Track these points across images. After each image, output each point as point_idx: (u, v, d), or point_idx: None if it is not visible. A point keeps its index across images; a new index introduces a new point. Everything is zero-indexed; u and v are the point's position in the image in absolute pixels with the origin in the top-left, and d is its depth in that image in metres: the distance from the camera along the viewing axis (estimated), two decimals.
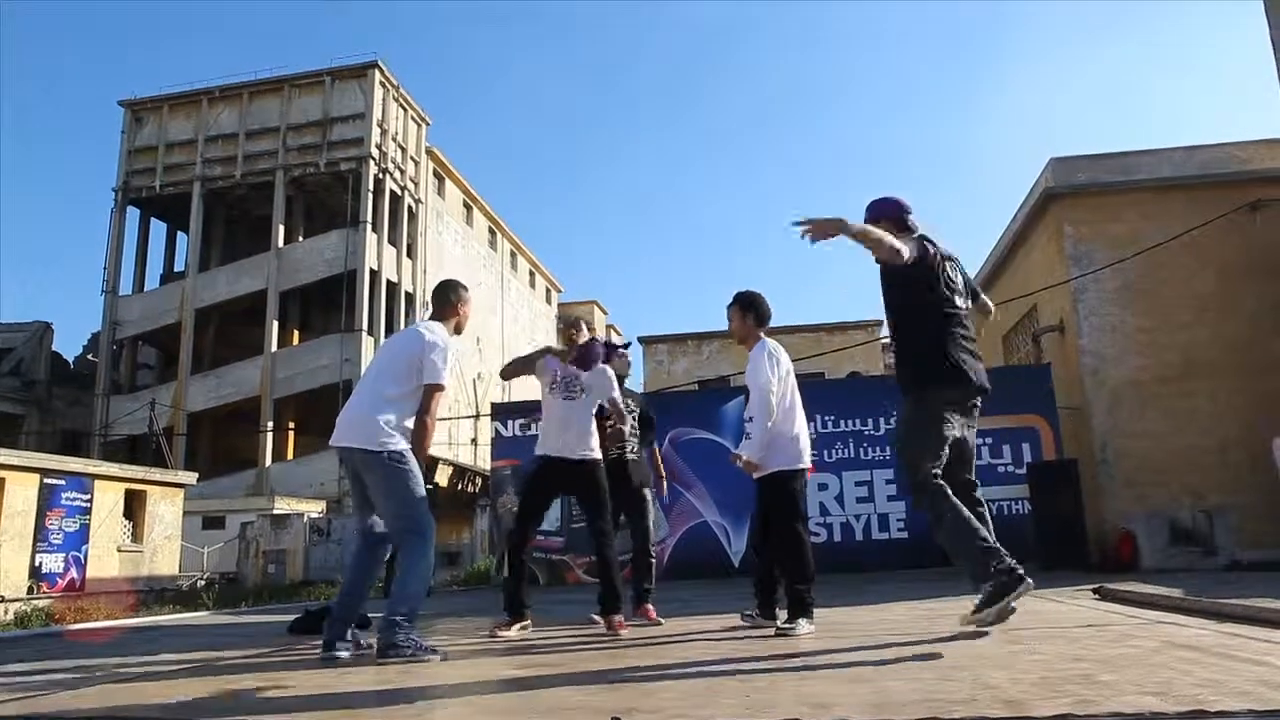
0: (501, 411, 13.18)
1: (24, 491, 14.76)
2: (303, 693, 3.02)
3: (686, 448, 11.33)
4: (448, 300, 4.12)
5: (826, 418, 11.36)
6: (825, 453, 11.29)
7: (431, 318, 4.09)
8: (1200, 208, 11.44)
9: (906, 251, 3.47)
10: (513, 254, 42.41)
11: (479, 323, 37.18)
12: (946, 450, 3.58)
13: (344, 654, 3.76)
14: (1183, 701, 2.06)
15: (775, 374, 4.31)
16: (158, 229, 33.64)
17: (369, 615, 5.27)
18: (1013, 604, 3.35)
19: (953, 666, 2.85)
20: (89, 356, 33.63)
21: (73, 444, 28.33)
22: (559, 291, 48.56)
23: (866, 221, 3.69)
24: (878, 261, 3.57)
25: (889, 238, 3.43)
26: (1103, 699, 2.14)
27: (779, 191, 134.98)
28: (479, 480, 30.97)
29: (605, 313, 52.98)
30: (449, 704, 2.66)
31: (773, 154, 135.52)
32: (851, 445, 11.31)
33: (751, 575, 4.63)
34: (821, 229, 3.27)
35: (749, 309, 4.48)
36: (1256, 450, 10.21)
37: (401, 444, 3.80)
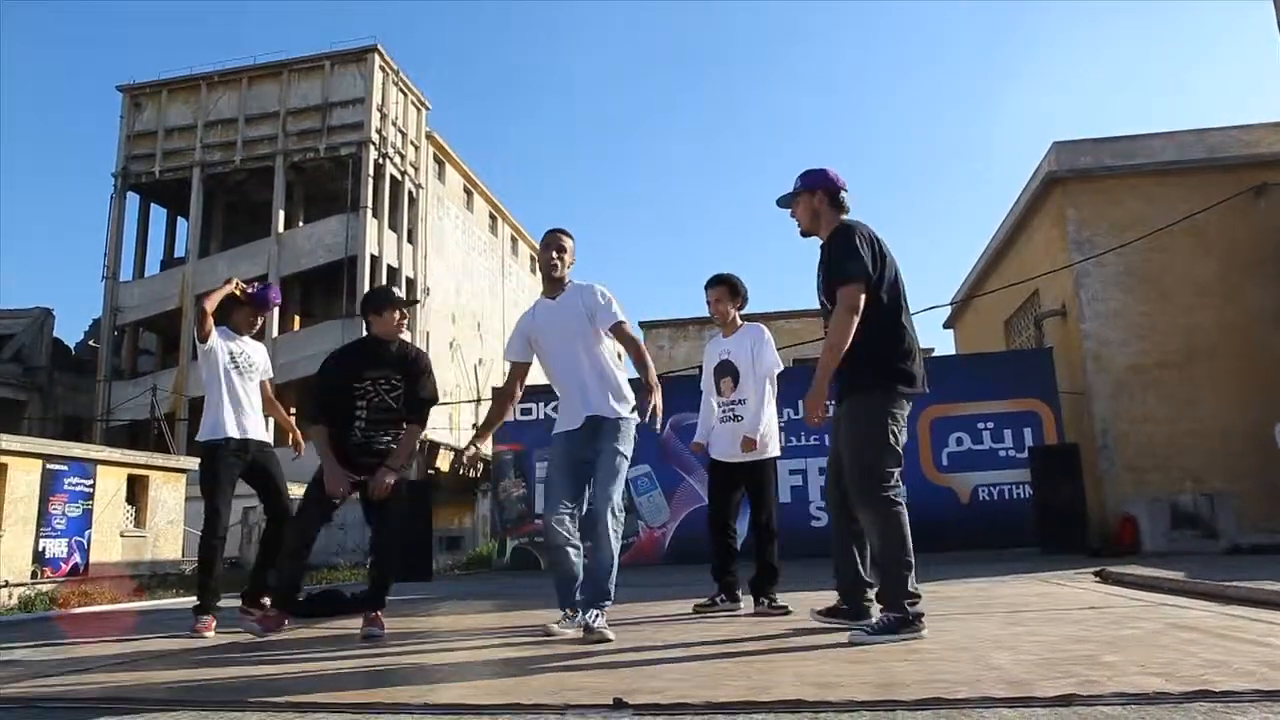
0: None
1: (26, 477, 14.78)
2: (305, 674, 3.02)
3: (687, 432, 11.26)
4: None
5: (828, 403, 11.34)
6: (825, 438, 11.26)
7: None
8: (1204, 192, 11.38)
9: (862, 288, 3.25)
10: (513, 239, 42.30)
11: (480, 308, 37.15)
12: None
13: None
14: (1187, 682, 2.05)
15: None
16: (158, 214, 33.55)
17: (357, 595, 5.27)
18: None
19: (956, 648, 2.85)
20: (90, 342, 33.62)
21: (75, 430, 28.35)
22: None
23: (800, 193, 3.55)
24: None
25: (848, 320, 3.20)
26: (1106, 680, 2.14)
27: (782, 177, 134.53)
28: (480, 465, 31.04)
29: None
30: (450, 685, 2.66)
31: (775, 141, 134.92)
32: None
33: (727, 559, 4.68)
34: (817, 408, 3.27)
35: (738, 293, 4.71)
36: (1258, 435, 10.19)
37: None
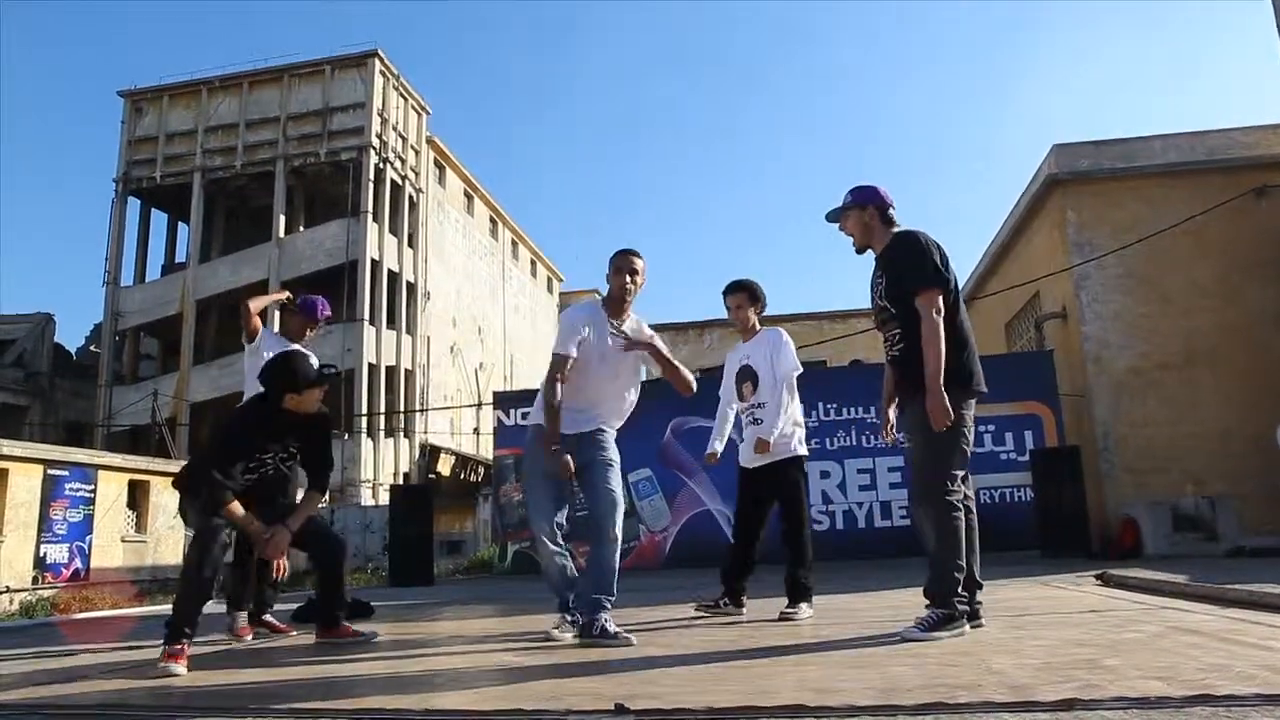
0: (504, 400, 13.18)
1: (28, 482, 14.79)
2: (306, 680, 3.02)
3: (688, 436, 11.31)
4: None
5: (829, 406, 11.35)
6: (827, 441, 11.28)
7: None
8: (1204, 194, 11.38)
9: (941, 294, 3.35)
10: (514, 243, 42.33)
11: (480, 311, 37.18)
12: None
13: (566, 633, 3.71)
14: (1188, 686, 2.05)
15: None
16: (158, 219, 33.62)
17: (371, 604, 5.29)
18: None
19: (957, 652, 2.85)
20: (91, 347, 33.65)
21: (76, 435, 28.37)
22: (560, 280, 48.53)
23: (850, 208, 3.63)
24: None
25: (937, 325, 3.29)
26: (1107, 684, 2.13)
27: (783, 179, 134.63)
28: (481, 470, 31.02)
29: None
30: (451, 691, 2.65)
31: (776, 143, 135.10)
32: (854, 433, 11.29)
33: (741, 570, 4.56)
34: (940, 414, 3.22)
35: (758, 299, 4.65)
36: (1259, 437, 10.19)
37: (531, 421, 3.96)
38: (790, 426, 4.46)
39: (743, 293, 4.65)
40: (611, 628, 3.49)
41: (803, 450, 4.52)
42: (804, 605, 4.25)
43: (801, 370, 4.60)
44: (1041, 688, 2.12)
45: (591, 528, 3.68)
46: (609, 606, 3.60)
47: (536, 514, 3.81)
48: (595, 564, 3.64)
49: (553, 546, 3.76)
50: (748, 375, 4.60)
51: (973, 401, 3.44)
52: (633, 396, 3.98)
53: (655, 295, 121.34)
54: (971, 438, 3.41)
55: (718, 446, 4.74)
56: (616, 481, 3.73)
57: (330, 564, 4.20)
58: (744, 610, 4.48)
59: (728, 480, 10.73)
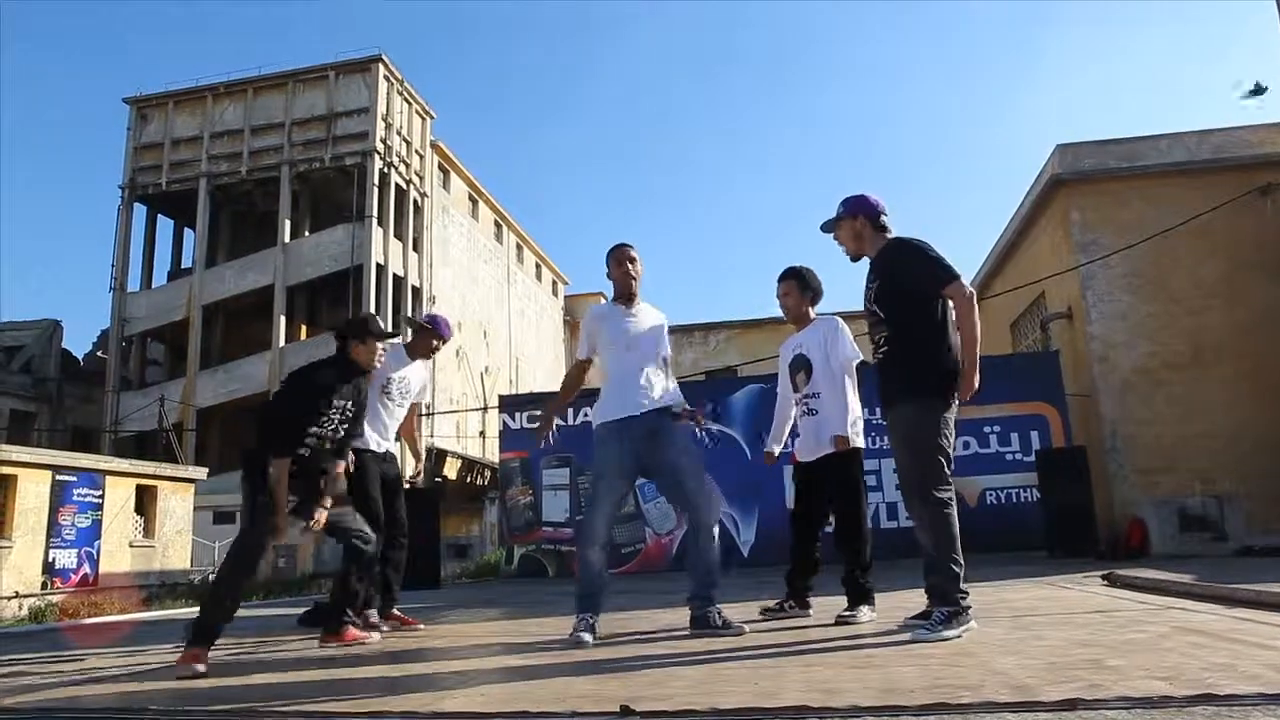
0: (509, 404, 13.20)
1: (36, 488, 14.85)
2: (313, 683, 3.04)
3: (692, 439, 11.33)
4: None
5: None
6: None
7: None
8: (1209, 192, 11.34)
9: (963, 281, 3.45)
10: (519, 247, 42.35)
11: (485, 315, 37.20)
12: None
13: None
14: (1192, 686, 2.05)
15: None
16: (164, 225, 33.71)
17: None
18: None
19: (961, 653, 2.85)
20: (98, 353, 33.75)
21: (84, 440, 28.44)
22: (565, 284, 48.53)
23: (843, 218, 3.74)
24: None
25: (974, 310, 3.42)
26: (1111, 684, 2.14)
27: (787, 181, 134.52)
28: (488, 473, 31.04)
29: None
30: (456, 693, 2.67)
31: (781, 143, 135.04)
32: (859, 434, 11.28)
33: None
34: (971, 390, 3.37)
35: (809, 287, 4.52)
36: (1267, 436, 10.16)
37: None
38: (850, 418, 4.29)
39: (792, 280, 4.49)
40: (726, 618, 3.76)
41: (860, 443, 4.35)
42: (864, 608, 4.06)
43: (861, 358, 4.38)
44: (1045, 688, 2.13)
45: (693, 525, 3.95)
46: (716, 599, 3.85)
47: (596, 513, 3.88)
48: (704, 559, 3.89)
49: (601, 548, 3.86)
50: (801, 364, 4.42)
51: (955, 407, 3.48)
52: (668, 366, 4.20)
53: (661, 298, 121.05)
54: (953, 439, 3.48)
55: (775, 448, 4.65)
56: (705, 477, 4.02)
57: (344, 568, 4.24)
58: (810, 612, 4.32)
59: (731, 483, 10.81)
